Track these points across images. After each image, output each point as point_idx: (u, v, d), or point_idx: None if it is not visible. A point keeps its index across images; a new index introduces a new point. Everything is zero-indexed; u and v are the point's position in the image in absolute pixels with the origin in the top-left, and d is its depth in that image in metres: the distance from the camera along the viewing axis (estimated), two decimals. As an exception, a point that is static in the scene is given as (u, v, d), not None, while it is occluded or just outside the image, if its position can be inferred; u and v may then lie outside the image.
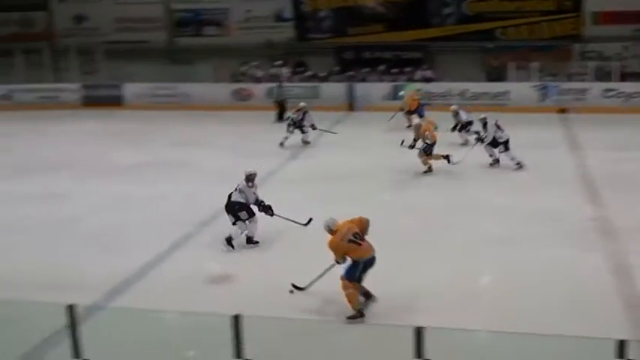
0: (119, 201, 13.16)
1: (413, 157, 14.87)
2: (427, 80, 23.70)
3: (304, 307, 8.40)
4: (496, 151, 15.04)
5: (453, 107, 17.71)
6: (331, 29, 27.20)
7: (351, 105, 23.36)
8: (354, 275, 8.03)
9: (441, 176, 14.60)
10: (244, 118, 21.64)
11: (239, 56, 26.18)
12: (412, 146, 14.75)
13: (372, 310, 8.12)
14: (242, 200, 10.49)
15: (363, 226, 8.33)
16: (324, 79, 24.84)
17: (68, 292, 8.36)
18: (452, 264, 9.71)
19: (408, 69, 24.24)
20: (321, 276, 8.48)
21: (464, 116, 17.27)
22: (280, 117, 21.28)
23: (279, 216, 10.78)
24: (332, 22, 27.16)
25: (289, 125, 17.88)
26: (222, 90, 24.65)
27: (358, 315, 7.97)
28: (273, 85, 23.10)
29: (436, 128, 15.34)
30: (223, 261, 10.09)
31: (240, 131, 19.70)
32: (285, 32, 27.38)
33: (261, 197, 10.72)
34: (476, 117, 16.19)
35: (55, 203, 13.11)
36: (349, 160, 15.96)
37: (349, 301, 7.99)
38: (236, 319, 5.65)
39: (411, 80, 23.78)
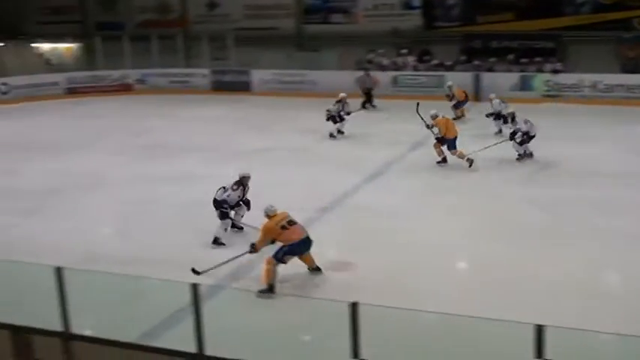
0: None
1: (536, 149, 14.82)
2: (556, 72, 22.97)
3: (415, 297, 8.33)
4: (529, 145, 14.80)
5: (492, 96, 17.78)
6: (459, 17, 26.78)
7: (477, 95, 22.91)
8: (278, 255, 8.63)
9: (575, 171, 14.12)
10: (368, 107, 21.72)
11: (365, 44, 26.22)
12: (427, 127, 14.83)
13: (496, 305, 7.86)
14: (223, 200, 10.41)
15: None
16: (450, 68, 24.52)
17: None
18: (578, 260, 9.42)
19: (537, 59, 23.58)
20: (227, 261, 8.90)
21: (497, 107, 17.26)
22: (364, 105, 21.75)
23: (244, 224, 10.66)
24: (460, 10, 26.74)
25: (328, 118, 17.88)
26: (348, 77, 24.73)
27: (268, 290, 8.41)
28: (392, 72, 23.07)
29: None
30: (342, 248, 10.19)
31: (363, 119, 19.70)
32: (413, 20, 27.18)
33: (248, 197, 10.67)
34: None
35: (182, 185, 13.62)
36: (471, 151, 15.66)
37: (265, 276, 8.52)
38: (353, 307, 5.67)
39: (540, 71, 23.19)
